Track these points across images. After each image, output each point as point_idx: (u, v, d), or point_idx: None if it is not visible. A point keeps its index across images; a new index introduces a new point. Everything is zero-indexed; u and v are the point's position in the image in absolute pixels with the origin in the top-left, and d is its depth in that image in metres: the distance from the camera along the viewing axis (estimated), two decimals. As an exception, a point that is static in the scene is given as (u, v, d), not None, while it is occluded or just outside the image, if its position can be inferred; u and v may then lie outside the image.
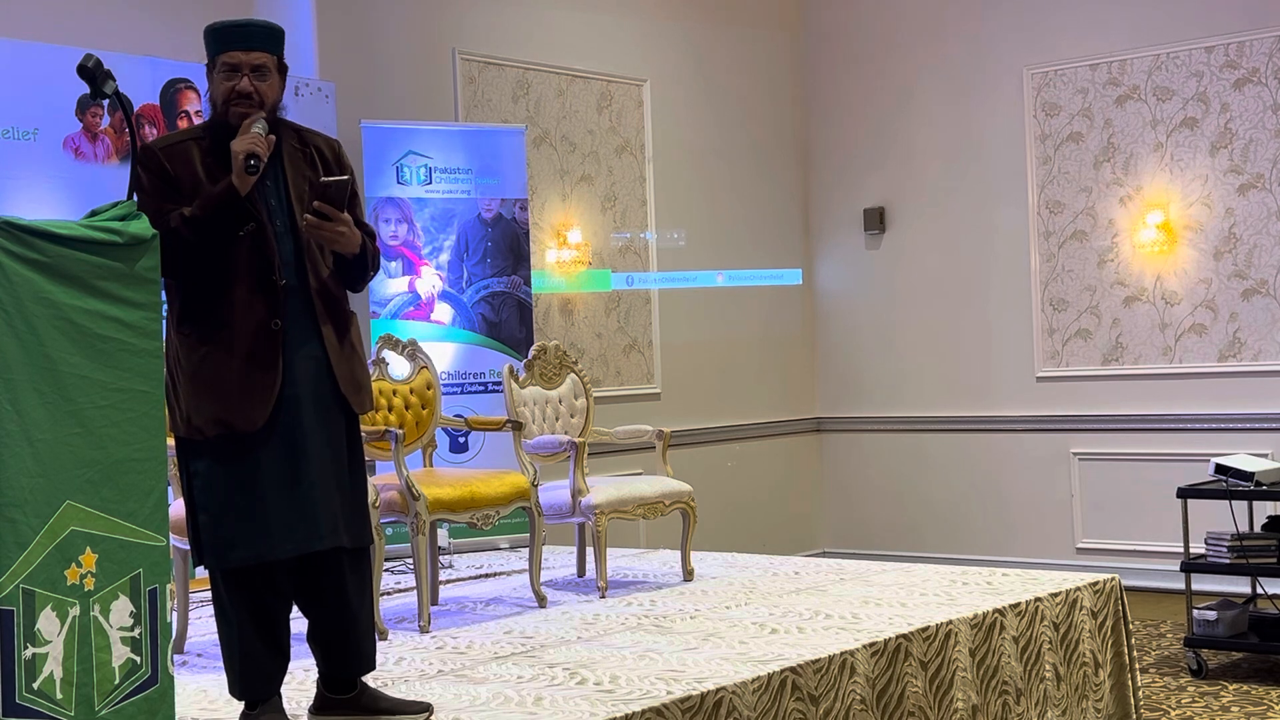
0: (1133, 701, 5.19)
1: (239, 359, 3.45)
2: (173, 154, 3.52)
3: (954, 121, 8.74)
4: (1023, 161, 8.49)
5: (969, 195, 8.70)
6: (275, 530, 3.48)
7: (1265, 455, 6.81)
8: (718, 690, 3.82)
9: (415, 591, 5.03)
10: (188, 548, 4.57)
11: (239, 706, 3.80)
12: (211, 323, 3.46)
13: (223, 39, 3.53)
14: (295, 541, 3.50)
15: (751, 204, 9.00)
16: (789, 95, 9.25)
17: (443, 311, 6.89)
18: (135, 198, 3.28)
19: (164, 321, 3.42)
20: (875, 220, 9.03)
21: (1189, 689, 5.85)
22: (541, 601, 5.27)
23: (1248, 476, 6.06)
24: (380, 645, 4.58)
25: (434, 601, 5.30)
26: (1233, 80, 7.79)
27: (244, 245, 3.48)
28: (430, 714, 3.76)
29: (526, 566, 5.50)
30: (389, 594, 5.50)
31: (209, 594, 5.54)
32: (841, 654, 4.19)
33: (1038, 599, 4.93)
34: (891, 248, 9.02)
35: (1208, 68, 7.87)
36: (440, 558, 5.88)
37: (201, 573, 5.71)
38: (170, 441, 3.36)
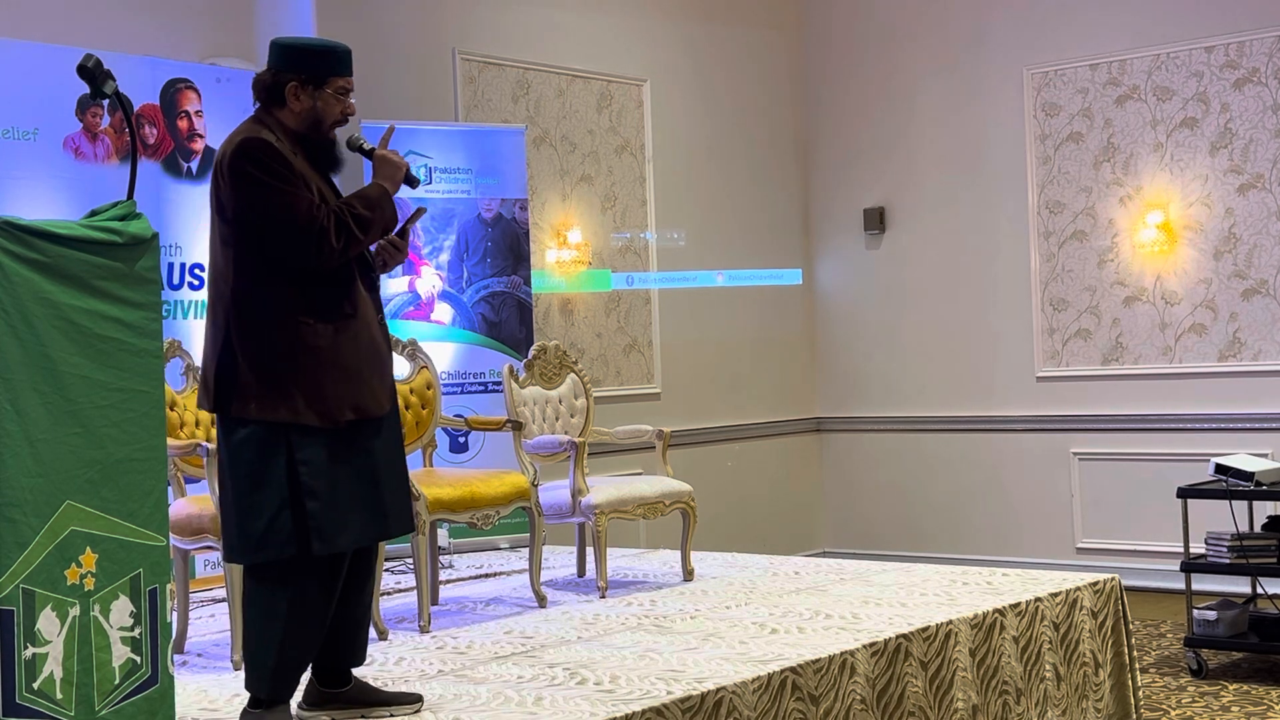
0: (1133, 701, 5.19)
1: (366, 347, 3.65)
2: (288, 156, 3.63)
3: (954, 121, 8.74)
4: (1023, 161, 8.49)
5: (969, 195, 8.70)
6: (388, 513, 3.68)
7: (1265, 455, 6.80)
8: (718, 690, 3.82)
9: (415, 591, 5.02)
10: (187, 547, 4.60)
11: (238, 706, 3.81)
12: (341, 314, 3.61)
13: (338, 62, 3.70)
14: (401, 524, 3.75)
15: (751, 204, 9.00)
16: (789, 95, 9.25)
17: (443, 311, 6.89)
18: (135, 198, 3.29)
19: (265, 308, 3.55)
20: (875, 220, 9.03)
21: (1189, 689, 5.85)
22: (542, 601, 5.27)
23: (1248, 476, 6.06)
24: (380, 645, 4.59)
25: (434, 601, 5.29)
26: (1233, 80, 7.79)
27: None
28: (420, 705, 3.80)
29: (526, 566, 5.50)
30: (389, 594, 5.50)
31: (209, 594, 5.57)
32: (842, 654, 4.19)
33: (1038, 599, 4.93)
34: (891, 248, 9.02)
35: (1208, 68, 7.87)
36: (440, 558, 5.88)
37: (202, 572, 5.74)
38: (244, 432, 3.51)
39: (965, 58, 8.68)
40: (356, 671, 3.90)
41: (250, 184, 3.52)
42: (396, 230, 3.83)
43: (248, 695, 3.66)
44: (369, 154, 3.83)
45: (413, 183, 3.86)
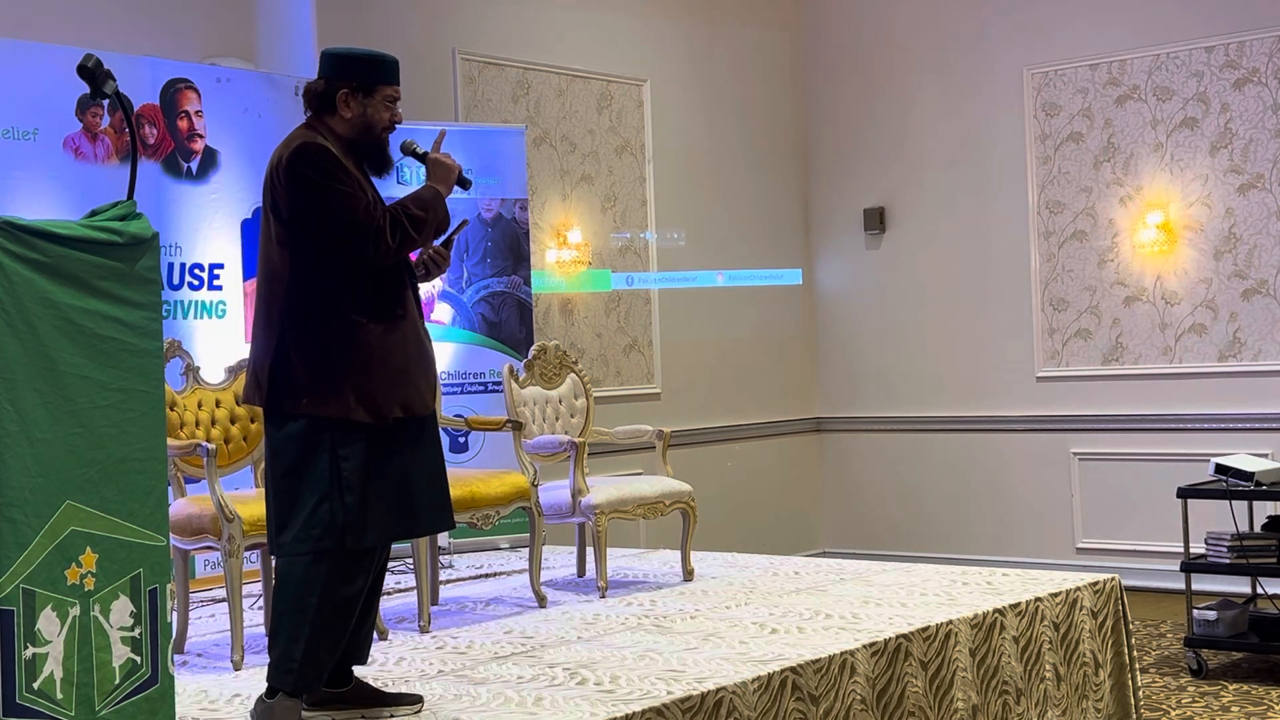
0: (1133, 701, 5.19)
1: (414, 347, 3.77)
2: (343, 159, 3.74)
3: (954, 121, 8.74)
4: (1023, 161, 8.49)
5: (969, 195, 8.70)
6: (422, 511, 3.77)
7: (1265, 455, 6.80)
8: (718, 690, 3.82)
9: (415, 591, 5.02)
10: (187, 547, 4.60)
11: (239, 706, 3.81)
12: (392, 314, 3.72)
13: (387, 71, 3.81)
14: (440, 521, 3.87)
15: (751, 204, 9.00)
16: (789, 95, 9.25)
17: (443, 311, 6.89)
18: (135, 198, 3.29)
19: (310, 305, 3.66)
20: (875, 220, 9.03)
21: (1189, 689, 5.85)
22: (542, 601, 5.27)
23: (1248, 476, 6.06)
24: (380, 645, 4.59)
25: (434, 601, 5.29)
26: (1233, 80, 7.79)
27: None
28: (421, 706, 3.81)
29: (527, 566, 5.50)
30: (389, 594, 5.50)
31: (209, 594, 5.57)
32: (842, 654, 4.19)
33: (1038, 599, 4.93)
34: (892, 248, 9.02)
35: (1208, 67, 7.87)
36: (440, 557, 5.88)
37: (202, 572, 5.74)
38: (291, 427, 3.61)
39: (965, 57, 8.68)
40: (357, 671, 3.91)
41: (309, 186, 3.63)
42: (441, 241, 3.96)
43: (265, 686, 3.69)
44: (422, 158, 3.96)
45: (465, 184, 3.96)
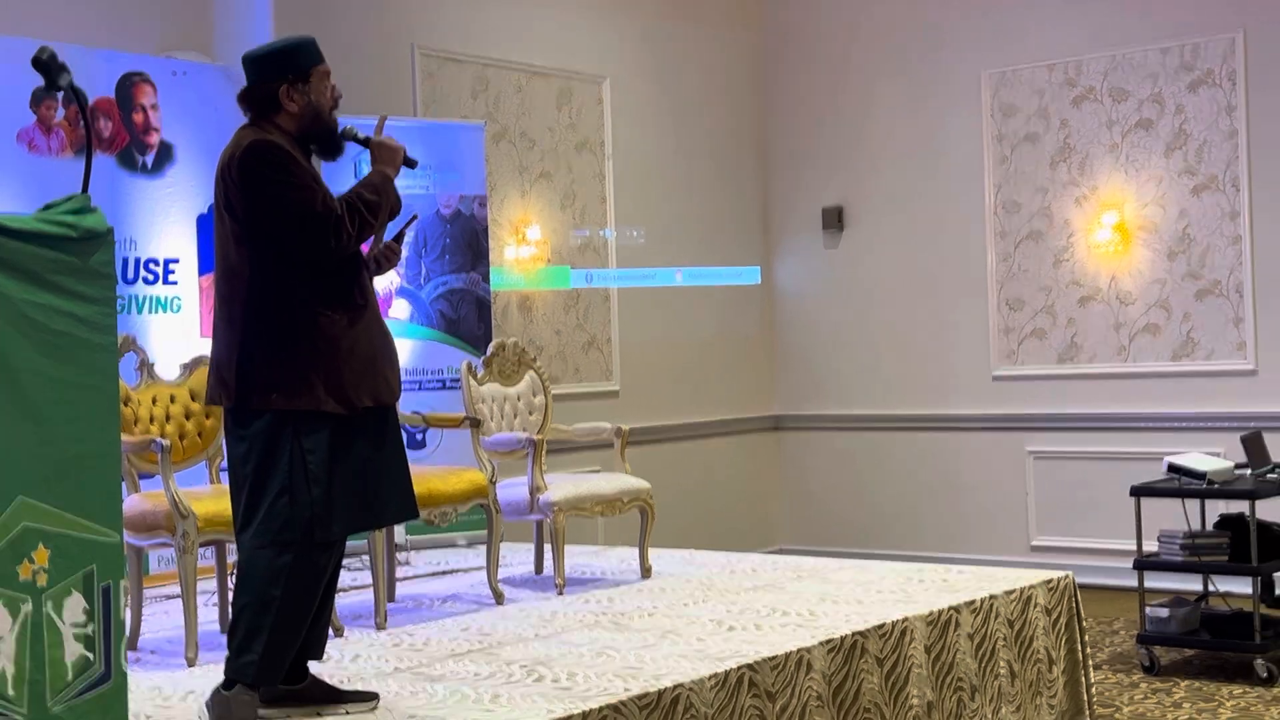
0: (1086, 698, 5.24)
1: (379, 337, 3.79)
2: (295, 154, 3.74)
3: (912, 122, 8.78)
4: (980, 162, 8.54)
5: (927, 195, 8.75)
6: (387, 499, 3.78)
7: (1218, 454, 6.87)
8: (675, 687, 3.83)
9: (372, 588, 5.00)
10: (141, 544, 4.56)
11: (192, 703, 3.79)
12: (354, 304, 3.73)
13: (314, 51, 3.80)
14: (405, 509, 3.86)
15: (711, 202, 9.02)
16: (749, 94, 9.27)
17: (400, 308, 6.86)
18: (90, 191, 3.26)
19: (283, 299, 3.65)
20: (834, 219, 9.06)
21: (1141, 685, 5.91)
22: (499, 599, 5.26)
23: (1200, 475, 6.12)
24: (336, 642, 4.57)
25: (391, 599, 5.27)
26: (1188, 82, 7.87)
27: None
28: (376, 703, 3.81)
29: (484, 564, 5.49)
30: (345, 591, 5.47)
31: (163, 590, 5.53)
32: (798, 651, 4.21)
33: (993, 596, 4.97)
34: (850, 247, 9.05)
35: (1163, 69, 7.94)
36: (397, 554, 5.86)
37: (156, 569, 5.69)
38: (257, 424, 3.60)
39: (923, 59, 8.72)
40: (313, 668, 3.90)
41: (265, 183, 3.62)
42: (393, 236, 3.97)
43: (222, 679, 3.67)
44: (364, 142, 3.92)
45: (411, 164, 3.93)
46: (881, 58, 8.89)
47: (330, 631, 4.09)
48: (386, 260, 3.99)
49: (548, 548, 5.73)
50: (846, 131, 9.01)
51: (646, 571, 5.72)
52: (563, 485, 5.59)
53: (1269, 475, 6.29)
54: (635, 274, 8.53)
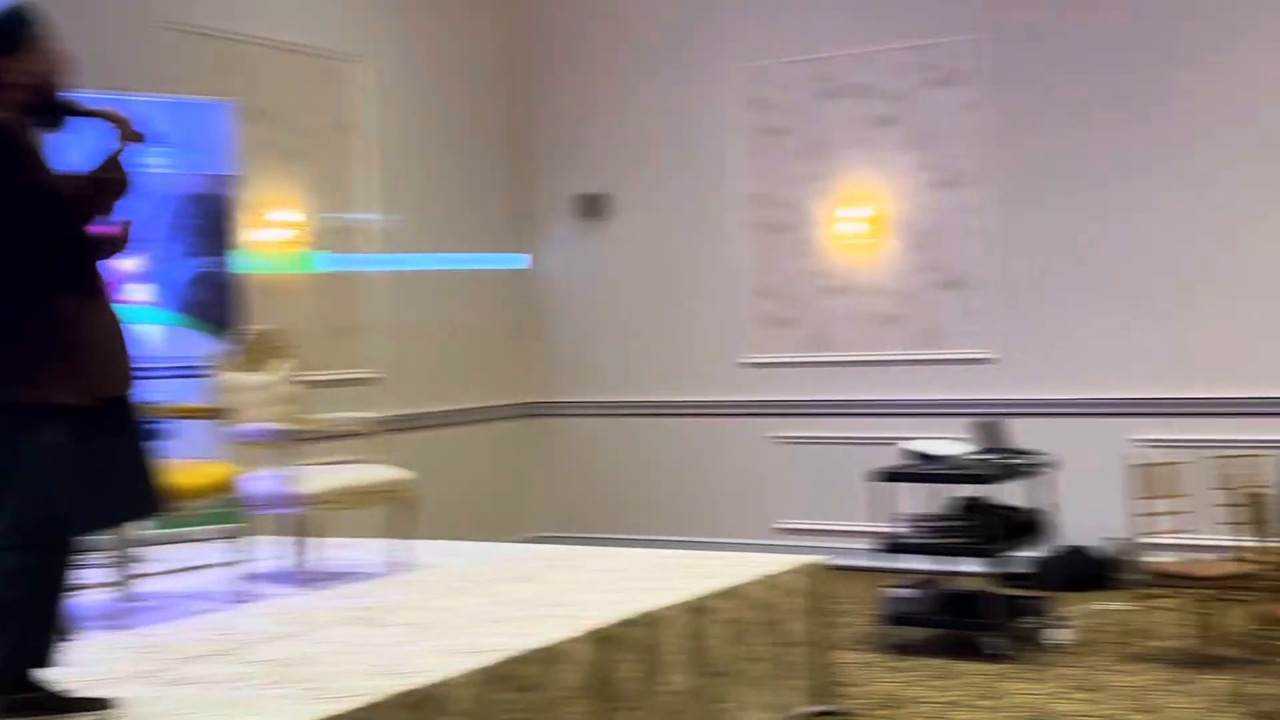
0: (833, 678, 5.40)
1: (111, 324, 3.63)
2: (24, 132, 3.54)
3: (671, 114, 8.88)
4: (734, 154, 8.69)
5: (684, 186, 8.86)
6: (130, 494, 3.65)
7: (959, 440, 7.14)
8: (433, 684, 3.77)
9: (108, 587, 4.79)
10: None
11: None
12: (84, 289, 3.57)
13: (28, 20, 3.57)
14: (149, 505, 3.74)
15: (472, 188, 8.94)
16: (510, 80, 9.22)
17: (143, 291, 6.59)
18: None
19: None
20: (595, 207, 9.10)
21: (885, 665, 6.12)
22: (246, 596, 5.11)
23: (936, 460, 6.38)
24: (68, 645, 4.34)
25: (129, 598, 5.06)
26: (933, 80, 8.16)
27: None
28: (108, 710, 3.62)
29: (231, 559, 5.32)
30: (80, 589, 5.22)
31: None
32: (557, 642, 4.21)
33: (743, 582, 5.06)
34: (611, 235, 9.11)
35: (910, 68, 8.22)
36: (137, 550, 5.62)
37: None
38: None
39: (680, 50, 8.83)
40: (40, 674, 3.67)
41: None
42: (118, 224, 3.77)
43: None
44: (89, 114, 3.72)
45: (138, 137, 3.74)
46: (641, 49, 8.96)
47: (62, 634, 3.88)
48: (113, 244, 3.79)
49: (301, 541, 5.59)
50: (608, 121, 9.06)
51: (404, 564, 5.64)
52: (317, 477, 5.46)
53: (1005, 460, 6.56)
54: (391, 259, 8.39)
